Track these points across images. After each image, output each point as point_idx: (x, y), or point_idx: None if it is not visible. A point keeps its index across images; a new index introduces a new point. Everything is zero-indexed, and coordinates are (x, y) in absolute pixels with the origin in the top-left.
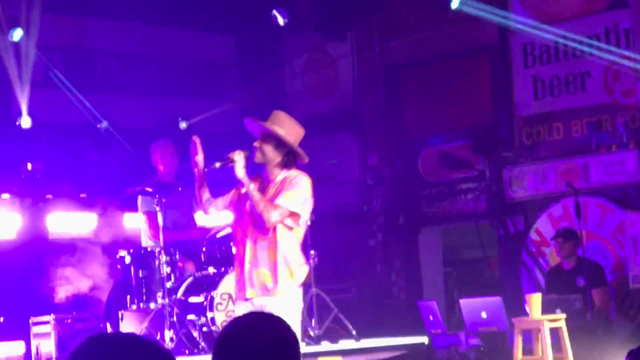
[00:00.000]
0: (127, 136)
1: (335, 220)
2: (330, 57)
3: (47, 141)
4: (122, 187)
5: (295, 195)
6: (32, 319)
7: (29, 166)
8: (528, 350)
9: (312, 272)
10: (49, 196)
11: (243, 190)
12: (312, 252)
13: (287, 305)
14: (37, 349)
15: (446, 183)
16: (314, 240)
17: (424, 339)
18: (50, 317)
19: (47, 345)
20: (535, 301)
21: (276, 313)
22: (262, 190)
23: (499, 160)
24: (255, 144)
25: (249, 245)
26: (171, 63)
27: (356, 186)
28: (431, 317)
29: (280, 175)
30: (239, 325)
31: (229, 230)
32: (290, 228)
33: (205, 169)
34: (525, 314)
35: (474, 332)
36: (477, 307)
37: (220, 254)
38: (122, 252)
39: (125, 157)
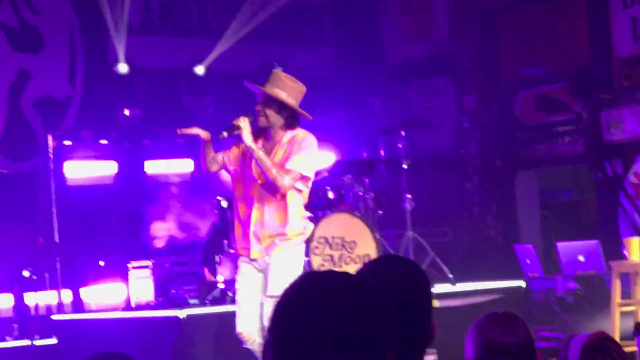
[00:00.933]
0: (223, 81)
1: (431, 164)
2: (425, 1)
3: (144, 87)
4: (218, 132)
5: (306, 158)
6: (132, 264)
7: (127, 112)
8: (626, 294)
9: (409, 216)
10: (147, 142)
11: (242, 147)
12: (408, 195)
13: (292, 262)
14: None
15: (543, 126)
16: (410, 184)
17: (521, 283)
18: (148, 262)
19: (145, 289)
20: (634, 245)
21: (281, 270)
22: (268, 152)
23: (597, 103)
24: (258, 107)
25: (256, 206)
26: (266, 7)
27: (452, 130)
28: (528, 261)
29: (285, 136)
30: (375, 269)
31: (325, 174)
32: (300, 191)
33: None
34: (623, 257)
35: (571, 276)
36: (574, 250)
37: (316, 198)
38: (219, 197)
39: (222, 102)
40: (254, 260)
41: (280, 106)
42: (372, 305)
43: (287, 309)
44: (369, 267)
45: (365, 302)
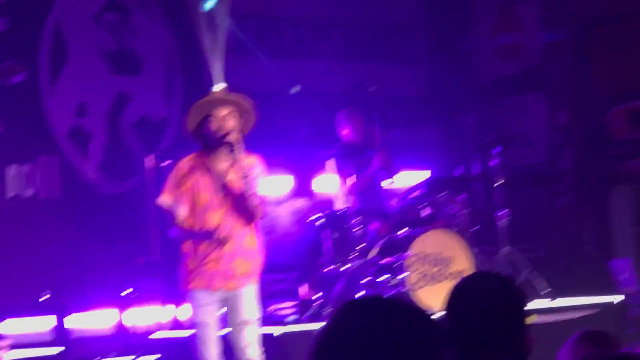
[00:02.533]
0: (317, 101)
1: (525, 180)
2: (518, 17)
3: None
4: (313, 150)
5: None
6: None
7: None
8: None
9: (503, 232)
10: None
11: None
12: (502, 212)
13: (257, 289)
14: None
15: (637, 141)
16: (504, 200)
17: (616, 298)
18: None
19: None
20: None
21: (252, 300)
22: (226, 174)
23: None
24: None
25: (227, 236)
26: (359, 27)
27: (545, 146)
28: (624, 276)
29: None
30: (469, 285)
31: (421, 191)
32: None
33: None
34: None
35: None
36: None
37: (412, 215)
38: (314, 215)
39: (316, 122)
40: (220, 290)
41: None
42: (423, 335)
43: (334, 341)
44: (465, 283)
45: (415, 332)
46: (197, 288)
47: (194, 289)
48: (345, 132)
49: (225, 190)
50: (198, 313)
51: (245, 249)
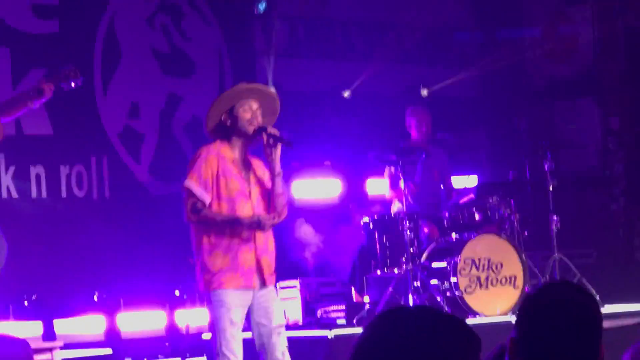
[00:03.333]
0: (369, 103)
1: (576, 185)
2: (570, 21)
3: (291, 109)
4: (365, 153)
5: None
6: (280, 284)
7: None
8: None
9: (555, 236)
10: (295, 163)
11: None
12: (554, 216)
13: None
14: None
15: None
16: (556, 205)
17: None
18: (296, 282)
19: (293, 309)
20: None
21: (279, 302)
22: (248, 170)
23: None
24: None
25: (257, 232)
26: (411, 30)
27: (597, 150)
28: None
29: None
30: (545, 295)
31: (471, 195)
32: None
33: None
34: None
35: None
36: None
37: (462, 219)
38: (366, 218)
39: (368, 124)
40: (250, 289)
41: None
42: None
43: (370, 350)
44: (540, 292)
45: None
46: (230, 287)
47: (227, 288)
48: (411, 129)
49: (252, 183)
50: (230, 314)
51: (269, 248)
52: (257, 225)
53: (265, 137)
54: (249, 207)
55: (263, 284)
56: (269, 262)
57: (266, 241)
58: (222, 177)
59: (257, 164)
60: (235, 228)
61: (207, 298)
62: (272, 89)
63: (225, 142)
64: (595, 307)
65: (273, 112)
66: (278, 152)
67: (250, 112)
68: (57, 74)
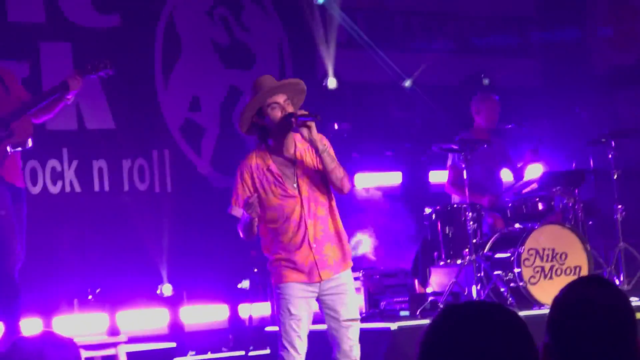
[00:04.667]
0: (430, 93)
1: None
2: (633, 8)
3: (352, 101)
4: (427, 144)
5: None
6: None
7: (336, 126)
8: None
9: (619, 226)
10: (355, 155)
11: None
12: (618, 206)
13: (352, 276)
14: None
15: None
16: (620, 194)
17: None
18: (359, 273)
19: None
20: None
21: (351, 286)
22: (293, 158)
23: None
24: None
25: (309, 222)
26: (471, 20)
27: None
28: None
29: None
30: (573, 298)
31: (534, 185)
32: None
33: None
34: None
35: None
36: None
37: (526, 210)
38: (428, 209)
39: (429, 114)
40: (315, 283)
41: None
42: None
43: (436, 345)
44: (567, 294)
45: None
46: (291, 280)
47: (288, 282)
48: (477, 117)
49: (299, 175)
50: (289, 305)
51: (333, 234)
52: (248, 206)
53: (294, 122)
54: (297, 203)
55: (325, 275)
56: (333, 249)
57: (328, 228)
58: (261, 189)
59: (307, 148)
60: (286, 229)
61: (274, 292)
62: (293, 79)
63: (261, 149)
64: (625, 303)
65: (301, 91)
66: (313, 130)
67: (280, 109)
68: (83, 66)
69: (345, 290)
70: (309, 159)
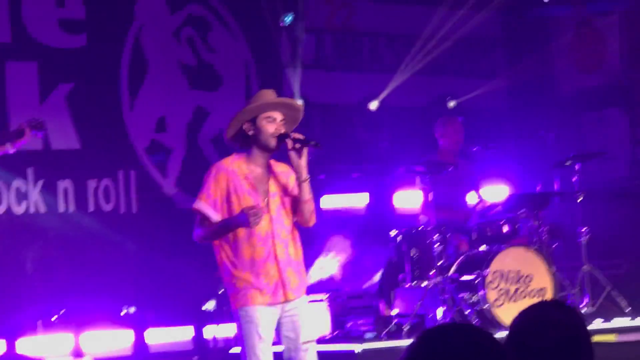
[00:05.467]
0: (397, 115)
1: (605, 196)
2: (598, 31)
3: (319, 122)
4: (394, 165)
5: None
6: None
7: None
8: None
9: (584, 249)
10: (322, 176)
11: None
12: (583, 228)
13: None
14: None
15: None
16: (585, 217)
17: None
18: (324, 295)
19: (322, 322)
20: None
21: (307, 311)
22: (266, 181)
23: None
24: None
25: (277, 243)
26: (438, 42)
27: (627, 161)
28: None
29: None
30: (530, 318)
31: (499, 208)
32: None
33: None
34: None
35: None
36: None
37: (491, 232)
38: (394, 231)
39: (395, 136)
40: (278, 304)
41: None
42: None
43: None
44: (524, 315)
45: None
46: (257, 304)
47: (254, 305)
48: (442, 140)
49: (270, 195)
50: (258, 329)
51: (293, 259)
52: (244, 218)
53: (290, 142)
54: (267, 220)
55: (289, 296)
56: (294, 273)
57: (289, 251)
58: (234, 194)
59: (281, 170)
60: (252, 244)
61: (235, 315)
62: (298, 101)
63: (241, 155)
64: (581, 324)
65: (294, 120)
66: (304, 157)
67: (275, 125)
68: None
69: (304, 313)
70: (283, 182)
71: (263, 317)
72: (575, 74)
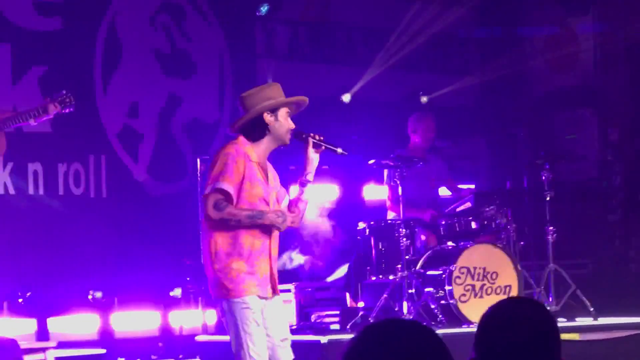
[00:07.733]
0: (369, 109)
1: (574, 196)
2: (572, 32)
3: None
4: (364, 159)
5: None
6: None
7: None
8: None
9: (551, 247)
10: (292, 167)
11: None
12: (550, 227)
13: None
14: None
15: None
16: (553, 216)
17: None
18: (291, 286)
19: (287, 312)
20: None
21: (283, 311)
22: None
23: None
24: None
25: (273, 238)
26: (413, 37)
27: (596, 161)
28: None
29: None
30: (499, 314)
31: (468, 204)
32: None
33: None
34: None
35: None
36: None
37: (459, 228)
38: (362, 224)
39: (367, 130)
40: (263, 298)
41: None
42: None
43: None
44: (494, 311)
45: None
46: (253, 294)
47: (253, 295)
48: (414, 136)
49: (271, 188)
50: (255, 316)
51: (275, 257)
52: (282, 220)
53: (311, 141)
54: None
55: (273, 292)
56: (276, 271)
57: (275, 249)
58: (248, 181)
59: (272, 169)
60: (253, 235)
61: (226, 306)
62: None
63: (249, 142)
64: (550, 321)
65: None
66: (317, 159)
67: (290, 120)
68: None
69: (281, 310)
70: (276, 180)
71: (258, 306)
72: (548, 74)
